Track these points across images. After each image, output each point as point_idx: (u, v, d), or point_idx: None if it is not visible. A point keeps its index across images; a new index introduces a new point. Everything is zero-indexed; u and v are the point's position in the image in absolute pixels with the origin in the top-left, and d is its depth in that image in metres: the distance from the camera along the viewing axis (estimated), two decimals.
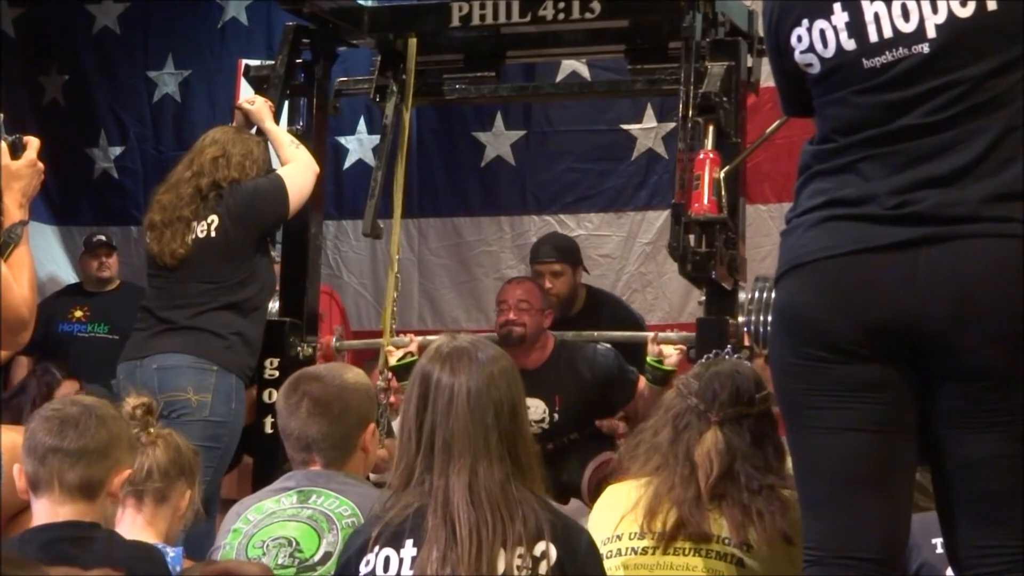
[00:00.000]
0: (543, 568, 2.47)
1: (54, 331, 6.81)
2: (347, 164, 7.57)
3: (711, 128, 4.31)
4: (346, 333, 5.63)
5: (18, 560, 1.75)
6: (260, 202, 4.67)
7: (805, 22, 2.61)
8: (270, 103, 4.91)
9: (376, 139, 6.74)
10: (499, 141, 7.42)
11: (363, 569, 2.52)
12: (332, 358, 5.15)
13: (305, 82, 5.13)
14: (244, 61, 5.56)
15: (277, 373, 4.78)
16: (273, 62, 5.11)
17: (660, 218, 6.93)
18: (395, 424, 4.61)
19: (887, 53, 2.52)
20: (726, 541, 2.91)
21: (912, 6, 2.50)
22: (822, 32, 2.58)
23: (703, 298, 4.60)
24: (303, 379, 3.23)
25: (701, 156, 4.22)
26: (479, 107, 7.26)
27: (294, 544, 3.02)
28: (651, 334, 4.96)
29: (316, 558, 3.00)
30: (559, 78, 6.98)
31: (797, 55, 2.63)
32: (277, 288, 4.96)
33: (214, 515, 3.95)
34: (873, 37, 2.53)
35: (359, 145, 7.56)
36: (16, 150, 2.95)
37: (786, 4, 2.66)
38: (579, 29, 5.02)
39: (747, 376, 3.07)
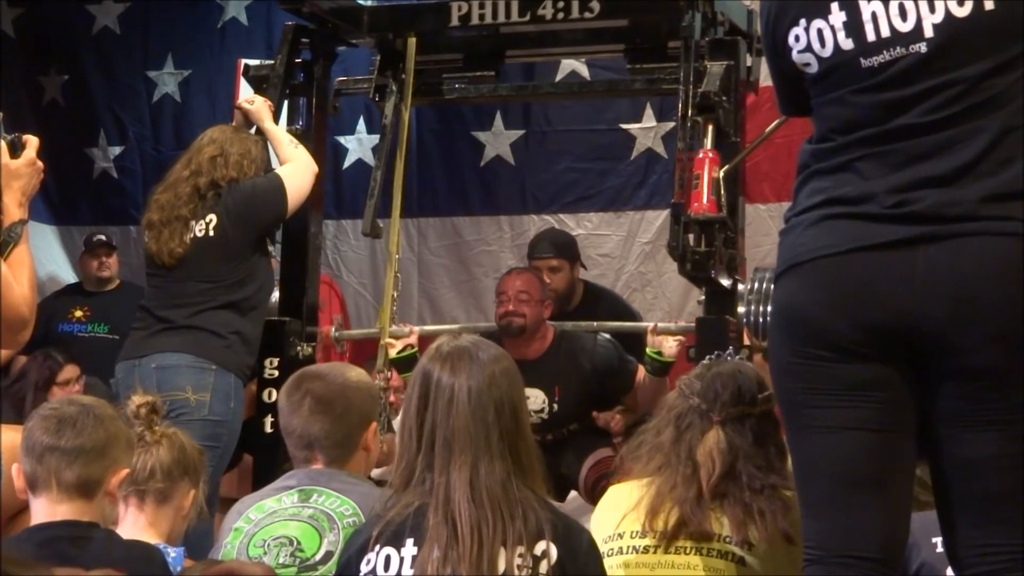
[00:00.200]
0: (543, 567, 2.47)
1: (54, 331, 6.81)
2: (346, 164, 7.57)
3: (710, 127, 4.31)
4: (345, 323, 5.63)
5: (25, 561, 1.75)
6: (259, 201, 4.67)
7: (803, 22, 2.60)
8: (269, 103, 4.91)
9: (375, 138, 6.74)
10: (498, 141, 7.42)
11: (364, 568, 2.52)
12: (331, 347, 5.18)
13: (304, 82, 5.13)
14: (244, 61, 5.55)
15: (277, 373, 4.78)
16: (273, 62, 5.11)
17: (659, 217, 6.93)
18: (395, 423, 4.62)
19: (885, 52, 2.52)
20: (727, 540, 2.91)
21: (910, 5, 2.50)
22: (819, 32, 2.58)
23: (703, 297, 4.61)
24: (305, 377, 3.23)
25: (700, 155, 4.23)
26: (478, 107, 7.26)
27: (295, 543, 3.02)
28: (650, 325, 4.99)
29: (317, 557, 3.00)
30: (558, 77, 6.98)
31: (795, 55, 2.63)
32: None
33: (213, 514, 3.95)
34: (871, 36, 2.53)
35: (358, 145, 7.56)
36: (15, 149, 2.95)
37: (783, 4, 2.65)
38: (578, 28, 5.02)
39: (749, 377, 3.08)
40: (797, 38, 2.62)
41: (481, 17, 4.92)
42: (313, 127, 5.14)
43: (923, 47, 2.49)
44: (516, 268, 5.55)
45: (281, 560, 2.99)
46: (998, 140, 2.45)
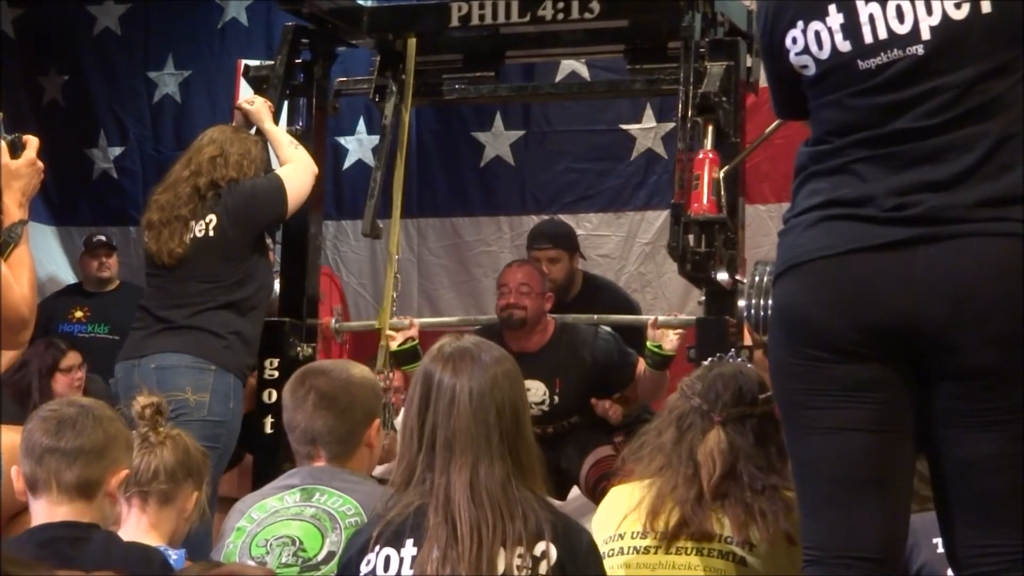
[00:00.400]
0: (543, 568, 2.47)
1: (54, 331, 6.81)
2: (346, 164, 7.57)
3: (710, 128, 4.31)
4: (344, 313, 5.64)
5: (25, 561, 1.75)
6: (259, 202, 4.67)
7: (800, 24, 2.60)
8: (269, 103, 4.91)
9: (375, 139, 6.74)
10: (498, 141, 7.42)
11: (364, 569, 2.52)
12: (331, 338, 5.19)
13: (304, 82, 5.12)
14: (244, 61, 5.55)
15: (276, 373, 4.78)
16: (272, 62, 5.11)
17: (659, 218, 6.94)
18: (397, 422, 4.62)
19: (882, 55, 2.52)
20: (728, 540, 2.91)
21: (907, 7, 2.50)
22: (817, 34, 2.58)
23: (703, 298, 4.61)
24: (310, 373, 3.23)
25: (700, 156, 4.23)
26: (478, 107, 7.26)
27: (297, 543, 3.02)
28: (651, 318, 5.00)
29: (319, 557, 3.00)
30: (558, 78, 6.99)
31: (792, 57, 2.62)
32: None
33: (212, 514, 3.95)
34: (868, 38, 2.52)
35: (358, 145, 7.56)
36: (15, 149, 2.95)
37: (781, 5, 2.65)
38: (578, 29, 5.02)
39: (751, 378, 3.08)
40: (794, 40, 2.61)
41: (481, 17, 4.91)
42: (313, 128, 5.13)
43: (920, 49, 2.49)
44: (517, 261, 5.56)
45: (283, 560, 2.99)
46: (997, 147, 2.45)
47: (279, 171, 4.79)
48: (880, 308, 2.48)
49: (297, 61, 5.12)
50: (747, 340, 4.51)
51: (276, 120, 4.93)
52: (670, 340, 4.87)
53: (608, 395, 5.22)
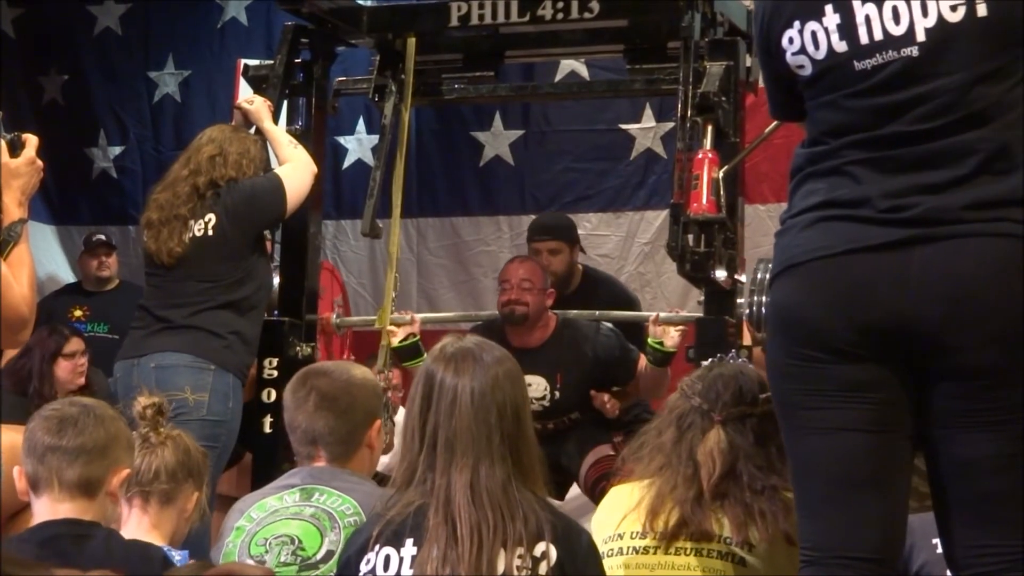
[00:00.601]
0: (543, 568, 2.47)
1: None
2: (346, 164, 7.58)
3: (710, 128, 4.31)
4: (345, 305, 5.64)
5: (24, 561, 1.75)
6: (258, 201, 4.67)
7: (796, 24, 2.60)
8: (269, 103, 4.91)
9: (375, 139, 6.74)
10: (498, 141, 7.43)
11: (363, 568, 2.52)
12: (332, 333, 5.19)
13: (304, 82, 5.13)
14: (243, 61, 5.55)
15: (276, 373, 4.79)
16: (272, 62, 5.11)
17: (659, 218, 6.95)
18: (397, 419, 4.64)
19: (877, 55, 2.51)
20: (728, 541, 2.91)
21: (903, 9, 2.49)
22: (813, 34, 2.57)
23: (702, 298, 4.61)
24: (311, 374, 3.24)
25: (700, 156, 4.23)
26: (478, 107, 7.27)
27: (296, 542, 3.02)
28: (653, 315, 5.01)
29: (318, 556, 3.00)
30: (558, 78, 7.00)
31: (788, 56, 2.62)
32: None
33: (211, 513, 3.96)
34: (864, 39, 2.52)
35: (358, 145, 7.57)
36: (15, 148, 2.94)
37: (777, 5, 2.65)
38: (578, 29, 5.02)
39: (751, 377, 3.08)
40: (791, 40, 2.61)
41: (481, 17, 4.91)
42: (312, 127, 5.13)
43: (914, 51, 2.49)
44: (519, 256, 5.56)
45: (282, 559, 3.00)
46: (994, 153, 2.44)
47: (278, 170, 4.79)
48: (877, 308, 2.48)
49: (297, 61, 5.12)
50: (746, 339, 4.52)
51: (276, 120, 4.93)
52: (672, 337, 4.87)
53: (608, 390, 5.22)
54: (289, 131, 4.99)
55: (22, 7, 8.09)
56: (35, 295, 2.92)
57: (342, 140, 7.55)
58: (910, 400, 2.52)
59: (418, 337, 5.01)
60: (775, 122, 4.23)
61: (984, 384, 2.43)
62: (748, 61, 4.62)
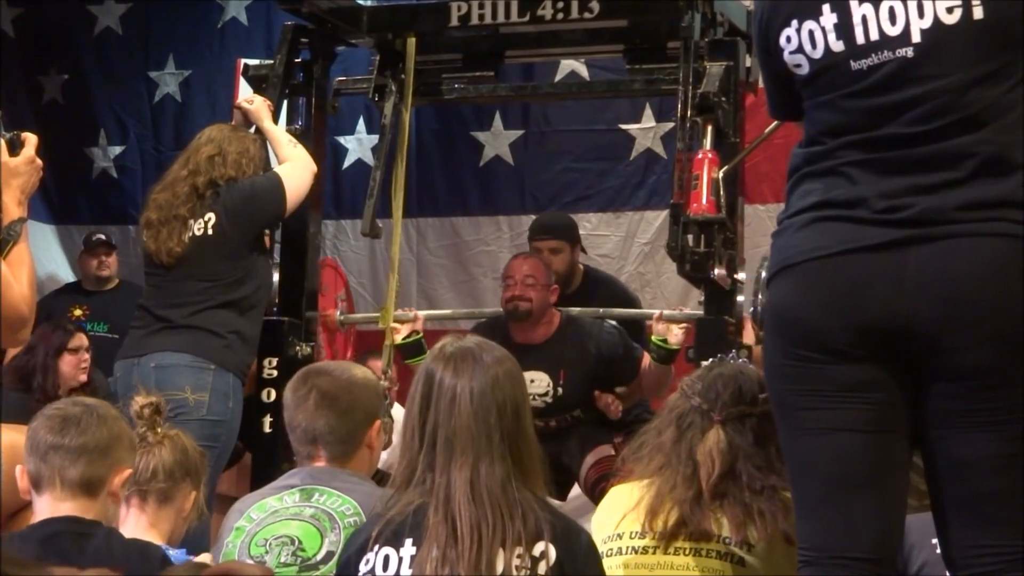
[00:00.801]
0: (542, 568, 2.46)
1: None
2: (346, 164, 7.58)
3: (709, 128, 4.32)
4: (348, 299, 5.64)
5: (24, 561, 1.75)
6: (257, 200, 4.67)
7: (794, 23, 2.60)
8: (269, 102, 4.92)
9: (375, 139, 6.74)
10: (498, 141, 7.43)
11: (363, 568, 2.52)
12: (336, 330, 5.20)
13: (304, 81, 5.13)
14: (243, 61, 5.56)
15: (276, 373, 4.79)
16: (272, 61, 5.11)
17: (659, 218, 6.95)
18: (395, 413, 4.63)
19: (873, 56, 2.51)
20: (727, 541, 2.91)
21: (899, 9, 2.49)
22: (811, 33, 2.58)
23: (702, 298, 4.61)
24: (312, 373, 3.24)
25: (700, 156, 4.23)
26: (478, 107, 7.27)
27: (296, 543, 3.02)
28: (656, 312, 5.01)
29: (318, 557, 3.00)
30: (558, 78, 7.00)
31: (786, 55, 2.62)
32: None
33: (211, 513, 3.96)
34: (860, 39, 2.52)
35: (358, 145, 7.57)
36: (14, 147, 2.94)
37: (776, 4, 2.65)
38: (578, 29, 5.02)
39: (751, 377, 3.08)
40: (789, 39, 2.61)
41: (481, 17, 4.92)
42: (312, 127, 5.14)
43: (909, 52, 2.48)
44: (523, 253, 5.56)
45: (282, 559, 3.00)
46: (991, 157, 2.44)
47: (278, 169, 4.79)
48: (873, 309, 2.48)
49: (296, 60, 5.12)
50: (747, 338, 4.52)
51: (276, 119, 4.93)
52: (675, 334, 4.88)
53: (611, 389, 5.23)
54: (289, 131, 4.99)
55: (22, 7, 8.09)
56: (35, 294, 2.92)
57: (342, 140, 7.55)
58: (907, 400, 2.52)
59: (421, 334, 5.01)
60: (775, 122, 4.23)
61: (982, 384, 2.43)
62: (748, 61, 4.62)
